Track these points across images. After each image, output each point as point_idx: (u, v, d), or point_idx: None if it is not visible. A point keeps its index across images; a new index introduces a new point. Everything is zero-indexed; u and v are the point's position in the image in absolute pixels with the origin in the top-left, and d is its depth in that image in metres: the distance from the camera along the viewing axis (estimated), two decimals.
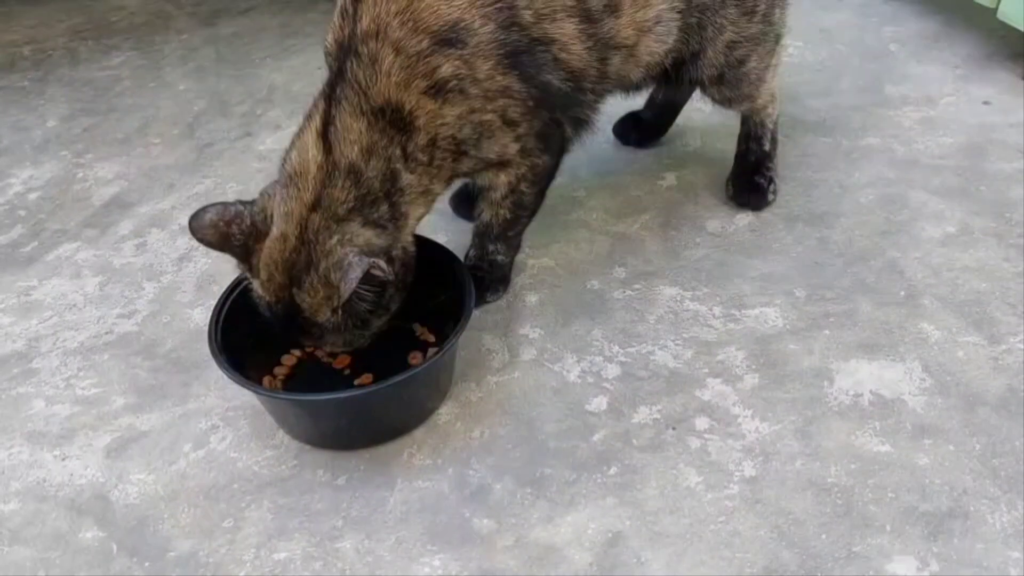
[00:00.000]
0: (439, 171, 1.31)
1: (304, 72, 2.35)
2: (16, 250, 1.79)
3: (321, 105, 1.26)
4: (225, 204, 1.26)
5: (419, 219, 1.34)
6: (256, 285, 1.27)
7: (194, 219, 1.25)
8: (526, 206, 1.48)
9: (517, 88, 1.29)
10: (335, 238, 1.21)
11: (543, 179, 1.46)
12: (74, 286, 1.68)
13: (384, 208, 1.26)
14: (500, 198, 1.45)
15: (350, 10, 1.25)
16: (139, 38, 2.60)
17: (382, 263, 1.19)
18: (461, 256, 1.49)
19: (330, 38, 1.30)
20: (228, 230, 1.25)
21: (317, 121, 1.25)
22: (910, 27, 2.29)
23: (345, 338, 1.28)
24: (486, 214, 1.49)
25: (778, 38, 1.62)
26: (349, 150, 1.22)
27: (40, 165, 2.05)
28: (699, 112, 1.98)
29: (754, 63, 1.57)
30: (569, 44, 1.32)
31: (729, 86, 1.58)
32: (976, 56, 2.14)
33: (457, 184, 1.47)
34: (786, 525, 1.17)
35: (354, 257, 1.19)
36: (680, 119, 1.97)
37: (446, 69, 1.22)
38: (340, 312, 1.22)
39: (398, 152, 1.25)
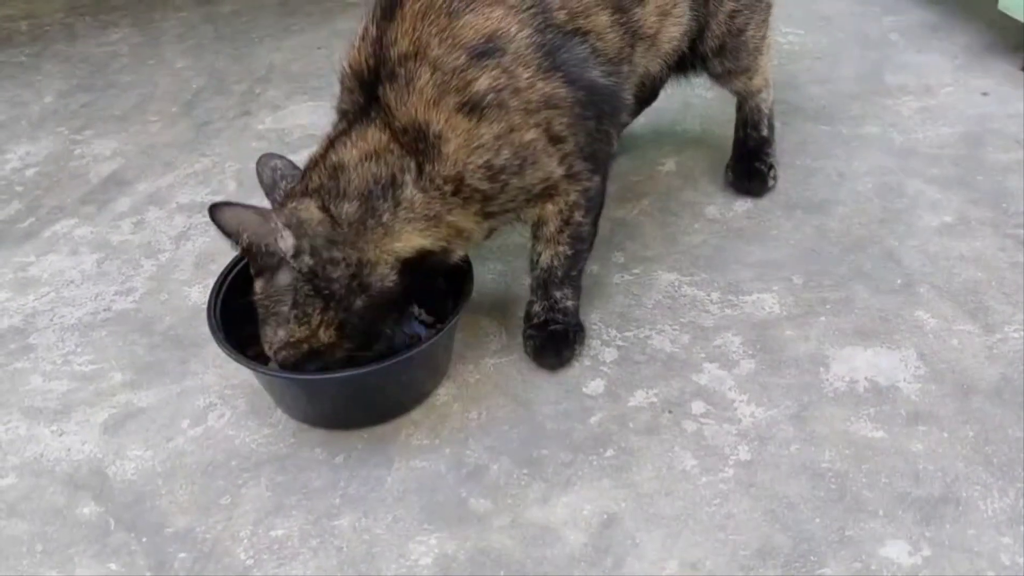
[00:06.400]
0: (466, 204, 1.23)
1: (303, 52, 2.34)
2: (13, 226, 1.78)
3: (342, 123, 1.26)
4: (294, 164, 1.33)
5: (416, 250, 1.23)
6: None
7: (266, 154, 1.33)
8: (584, 238, 1.36)
9: (563, 94, 1.23)
10: (290, 205, 1.23)
11: (596, 204, 1.35)
12: (71, 263, 1.68)
13: (351, 208, 1.20)
14: (555, 232, 1.34)
15: (373, 34, 1.22)
16: (137, 15, 2.58)
17: (287, 234, 1.17)
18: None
19: (346, 64, 1.26)
20: (278, 181, 1.31)
21: (333, 132, 1.27)
22: (910, 17, 2.29)
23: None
24: (545, 256, 1.36)
25: (769, 6, 1.65)
26: (345, 154, 1.21)
27: (37, 141, 2.04)
28: (699, 98, 1.99)
29: (752, 31, 1.61)
30: (604, 33, 1.29)
31: (730, 56, 1.61)
32: (975, 47, 2.14)
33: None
34: (780, 509, 1.18)
35: (269, 214, 1.21)
36: (680, 105, 1.97)
37: (483, 82, 1.18)
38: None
39: (411, 166, 1.20)
